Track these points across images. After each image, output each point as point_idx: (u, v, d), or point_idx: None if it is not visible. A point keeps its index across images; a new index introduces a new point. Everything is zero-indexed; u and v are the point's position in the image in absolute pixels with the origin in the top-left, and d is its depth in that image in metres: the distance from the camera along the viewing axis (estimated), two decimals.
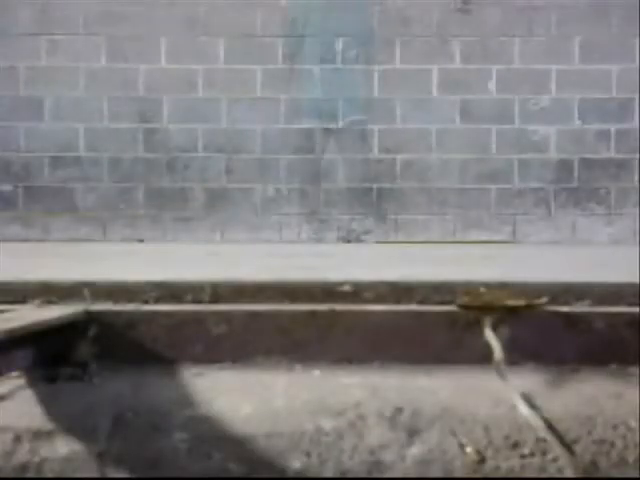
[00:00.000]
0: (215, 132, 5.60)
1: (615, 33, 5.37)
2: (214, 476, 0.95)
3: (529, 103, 5.18)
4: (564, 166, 5.36)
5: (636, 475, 0.95)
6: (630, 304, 1.19)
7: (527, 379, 1.08)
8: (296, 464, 0.94)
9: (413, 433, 0.97)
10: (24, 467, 0.95)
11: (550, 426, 0.97)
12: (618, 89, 5.47)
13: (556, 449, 0.95)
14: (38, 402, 1.02)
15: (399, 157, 5.58)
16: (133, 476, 0.95)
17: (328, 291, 1.21)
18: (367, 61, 5.46)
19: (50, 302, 1.20)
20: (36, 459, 0.95)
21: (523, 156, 5.23)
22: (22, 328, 0.99)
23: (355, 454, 0.95)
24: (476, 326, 1.12)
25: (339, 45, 5.48)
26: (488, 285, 1.21)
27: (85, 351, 1.11)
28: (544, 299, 1.16)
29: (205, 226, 5.60)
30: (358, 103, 5.45)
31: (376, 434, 0.96)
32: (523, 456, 0.95)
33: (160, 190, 5.59)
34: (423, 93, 5.28)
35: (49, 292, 1.21)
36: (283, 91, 5.54)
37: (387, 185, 5.59)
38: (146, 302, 1.20)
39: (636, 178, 5.55)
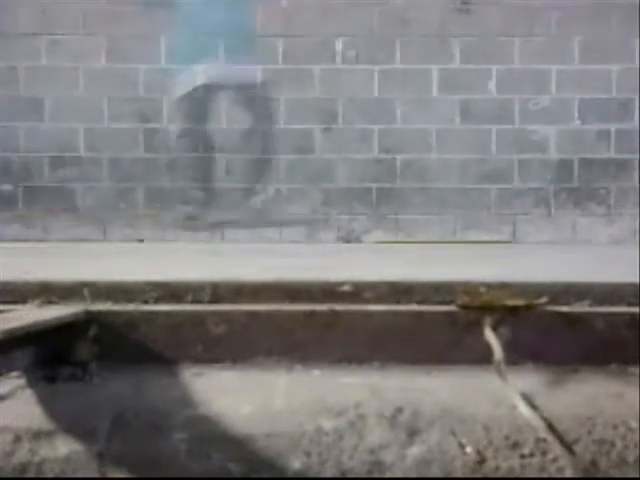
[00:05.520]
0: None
1: (615, 33, 5.37)
2: (214, 476, 0.95)
3: (529, 103, 5.18)
4: (564, 166, 5.36)
5: (636, 475, 0.95)
6: (630, 304, 1.20)
7: (527, 379, 1.08)
8: (296, 464, 0.94)
9: (413, 433, 0.97)
10: (24, 467, 0.95)
11: (550, 426, 0.97)
12: (618, 89, 5.47)
13: (556, 449, 0.95)
14: (38, 402, 1.02)
15: (399, 157, 5.58)
16: (133, 476, 0.95)
17: (328, 291, 1.21)
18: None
19: (50, 302, 1.20)
20: (36, 459, 0.95)
21: (523, 156, 5.23)
22: (22, 328, 0.99)
23: (355, 454, 0.95)
24: (476, 326, 1.12)
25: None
26: (488, 285, 1.21)
27: (85, 351, 1.11)
28: (544, 299, 1.17)
29: (205, 226, 5.60)
30: None
31: (376, 434, 0.97)
32: (523, 456, 0.96)
33: (160, 190, 5.59)
34: (423, 93, 5.28)
35: (49, 292, 1.21)
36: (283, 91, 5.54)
37: (387, 185, 5.59)
38: (146, 302, 1.20)
39: (636, 178, 5.54)
